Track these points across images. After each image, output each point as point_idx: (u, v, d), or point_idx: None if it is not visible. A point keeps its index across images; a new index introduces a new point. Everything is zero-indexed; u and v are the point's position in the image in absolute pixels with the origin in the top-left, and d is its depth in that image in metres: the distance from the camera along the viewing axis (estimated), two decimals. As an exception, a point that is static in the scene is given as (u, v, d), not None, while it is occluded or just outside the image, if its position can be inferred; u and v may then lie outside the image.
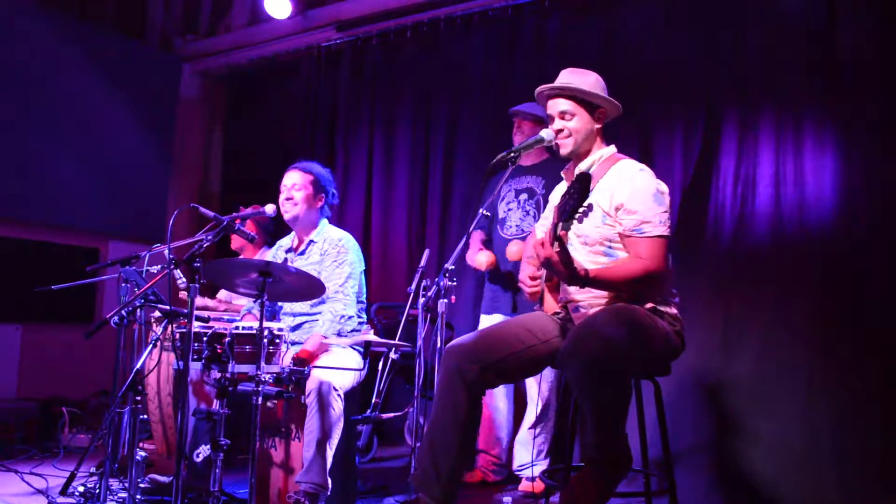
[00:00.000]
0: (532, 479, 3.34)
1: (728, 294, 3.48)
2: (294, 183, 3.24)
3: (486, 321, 3.55)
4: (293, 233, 3.37)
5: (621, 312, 2.18)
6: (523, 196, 3.50)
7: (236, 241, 4.17)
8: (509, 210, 3.55)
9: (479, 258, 3.44)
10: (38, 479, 3.31)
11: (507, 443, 3.59)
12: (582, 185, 1.92)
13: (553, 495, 2.76)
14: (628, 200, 2.27)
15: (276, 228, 4.02)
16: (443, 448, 2.25)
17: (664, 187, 2.35)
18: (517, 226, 3.48)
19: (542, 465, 3.35)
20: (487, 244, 3.61)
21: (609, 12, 4.08)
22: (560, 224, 2.02)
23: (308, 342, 2.98)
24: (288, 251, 3.34)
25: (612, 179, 2.34)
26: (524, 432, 3.43)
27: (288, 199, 3.22)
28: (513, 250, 3.35)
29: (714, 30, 3.70)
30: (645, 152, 3.77)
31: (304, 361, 2.82)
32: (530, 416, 3.41)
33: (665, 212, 2.27)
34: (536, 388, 3.38)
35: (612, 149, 2.47)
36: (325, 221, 3.32)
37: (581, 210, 1.96)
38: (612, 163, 2.40)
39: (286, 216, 3.23)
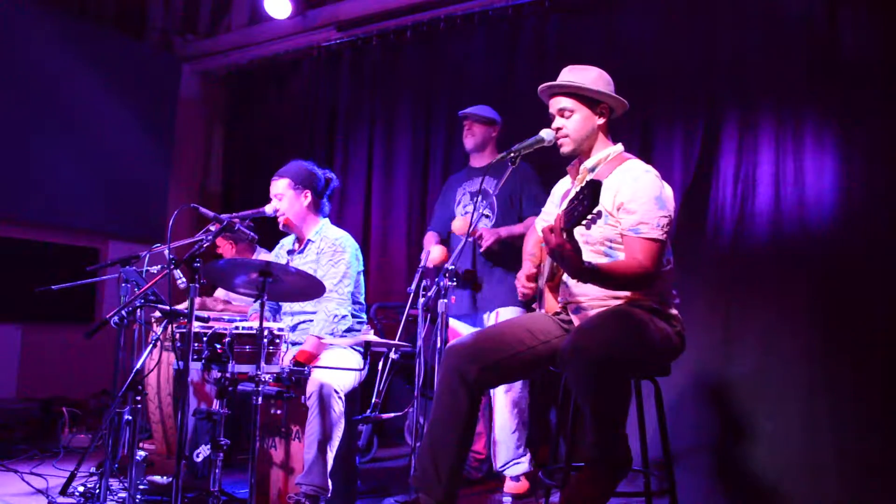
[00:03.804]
0: (516, 478, 3.34)
1: (728, 294, 3.48)
2: (276, 193, 3.25)
3: (455, 324, 3.56)
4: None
5: (622, 313, 2.19)
6: (478, 199, 3.48)
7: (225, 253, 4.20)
8: (466, 213, 3.56)
9: (433, 253, 3.41)
10: (38, 479, 3.31)
11: (487, 436, 3.59)
12: (592, 193, 1.90)
13: (553, 495, 2.77)
14: (629, 200, 2.27)
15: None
16: (443, 448, 2.25)
17: (668, 191, 2.34)
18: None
19: (524, 462, 3.34)
20: (444, 245, 3.63)
21: (609, 12, 4.08)
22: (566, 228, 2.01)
23: (305, 344, 2.98)
24: (289, 252, 3.35)
25: (616, 179, 2.33)
26: (500, 431, 3.36)
27: (275, 210, 3.22)
28: (457, 224, 3.38)
29: (714, 30, 3.70)
30: (645, 152, 3.76)
31: (302, 363, 2.82)
32: (502, 412, 3.36)
33: (665, 216, 2.26)
34: (502, 387, 3.34)
35: (619, 147, 2.46)
36: (326, 221, 3.32)
37: (589, 217, 1.94)
38: (619, 162, 2.39)
39: (280, 226, 3.26)
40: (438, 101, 4.73)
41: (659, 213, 2.25)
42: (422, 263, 3.30)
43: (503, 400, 3.37)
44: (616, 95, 2.42)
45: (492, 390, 3.42)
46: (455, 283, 3.37)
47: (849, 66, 3.31)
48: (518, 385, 3.38)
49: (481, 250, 3.36)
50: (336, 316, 3.05)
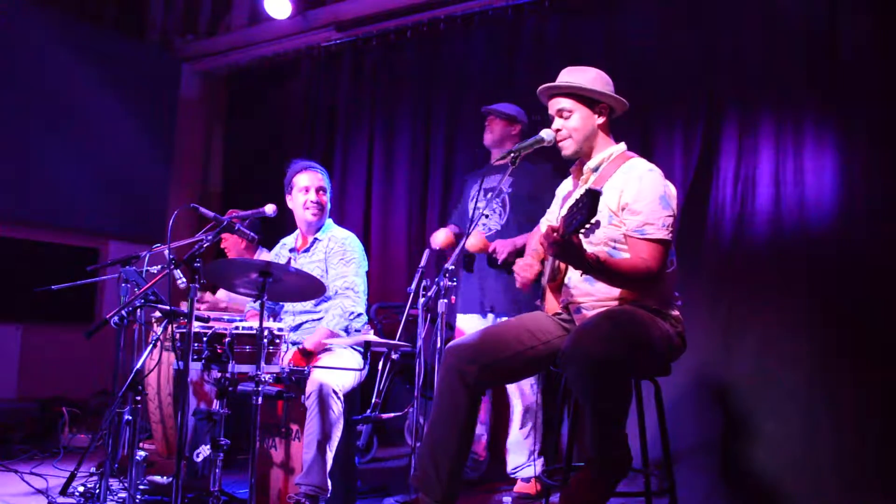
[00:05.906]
0: (528, 479, 3.34)
1: (728, 294, 3.48)
2: (322, 187, 3.26)
3: (463, 321, 3.57)
4: (297, 231, 3.37)
5: (623, 313, 2.18)
6: (490, 195, 3.48)
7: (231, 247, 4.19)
8: (476, 209, 3.54)
9: (437, 236, 3.45)
10: (38, 479, 3.31)
11: (485, 439, 3.58)
12: (591, 202, 1.90)
13: (552, 495, 2.76)
14: (634, 201, 2.27)
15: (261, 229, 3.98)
16: (443, 448, 2.25)
17: (672, 190, 2.34)
18: (484, 224, 3.49)
19: (535, 466, 3.34)
20: (459, 239, 3.62)
21: (609, 12, 4.08)
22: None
23: (309, 339, 2.98)
24: (291, 250, 3.34)
25: (620, 178, 2.33)
26: (514, 434, 3.40)
27: (316, 202, 3.23)
28: (472, 242, 3.36)
29: (714, 30, 3.70)
30: (645, 152, 3.74)
31: (307, 354, 2.84)
32: (516, 416, 3.40)
33: (670, 216, 2.26)
34: (517, 389, 3.38)
35: (622, 146, 2.47)
36: (330, 220, 3.34)
37: (588, 227, 1.95)
38: (622, 161, 2.40)
39: (313, 219, 3.24)
40: (438, 101, 4.73)
41: (664, 212, 2.25)
42: (421, 263, 3.30)
43: (517, 405, 3.38)
44: (614, 94, 2.43)
45: (509, 397, 3.44)
46: (463, 277, 3.40)
47: (849, 66, 3.31)
48: (529, 391, 3.37)
49: (499, 263, 3.36)
50: (352, 313, 3.06)
